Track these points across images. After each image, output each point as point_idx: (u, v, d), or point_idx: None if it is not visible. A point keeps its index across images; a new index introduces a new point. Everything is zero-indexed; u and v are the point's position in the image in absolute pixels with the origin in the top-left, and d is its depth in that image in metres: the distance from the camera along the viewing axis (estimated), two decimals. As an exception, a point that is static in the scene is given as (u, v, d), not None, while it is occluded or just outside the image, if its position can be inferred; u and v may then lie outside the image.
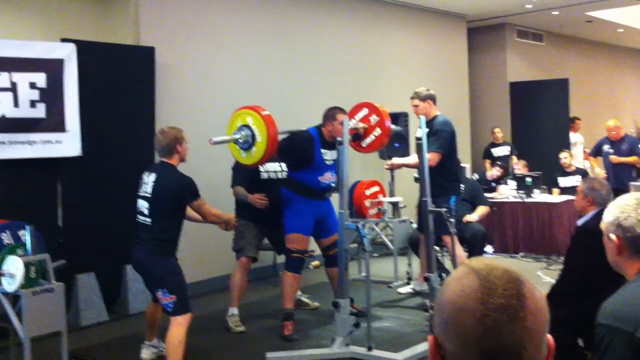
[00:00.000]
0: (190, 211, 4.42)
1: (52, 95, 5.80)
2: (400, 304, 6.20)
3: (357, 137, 5.55)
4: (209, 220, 4.50)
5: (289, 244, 5.30)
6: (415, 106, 5.83)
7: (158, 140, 4.39)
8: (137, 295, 6.08)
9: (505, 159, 10.22)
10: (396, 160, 5.92)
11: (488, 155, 10.32)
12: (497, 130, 10.63)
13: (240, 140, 4.86)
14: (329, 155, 5.33)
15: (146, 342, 4.81)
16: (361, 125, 5.52)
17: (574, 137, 11.05)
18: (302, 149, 5.27)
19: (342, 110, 5.29)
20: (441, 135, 5.60)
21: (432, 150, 5.44)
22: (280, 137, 5.05)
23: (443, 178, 5.56)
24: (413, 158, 5.79)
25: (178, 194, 4.27)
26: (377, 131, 5.53)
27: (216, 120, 7.12)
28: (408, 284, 6.61)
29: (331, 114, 5.32)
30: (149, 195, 4.29)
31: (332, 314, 4.83)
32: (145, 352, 4.79)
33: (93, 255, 5.97)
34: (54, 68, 5.82)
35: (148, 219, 4.30)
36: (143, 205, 4.34)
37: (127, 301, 6.09)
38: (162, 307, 4.33)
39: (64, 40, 5.98)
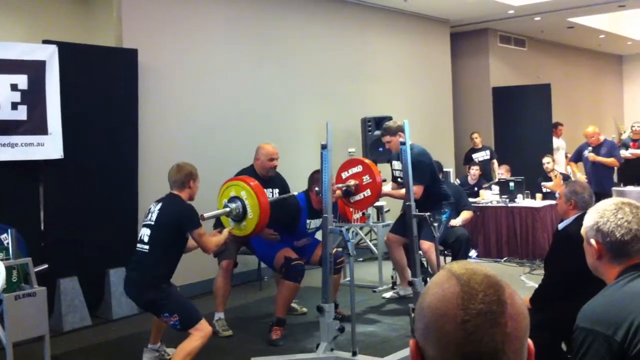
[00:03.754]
0: (190, 241, 4.41)
1: (33, 97, 5.74)
2: (384, 309, 6.20)
3: (347, 193, 5.61)
4: (210, 251, 4.53)
5: (285, 254, 5.30)
6: (388, 142, 5.85)
7: (172, 173, 4.42)
8: (120, 299, 6.03)
9: (486, 164, 10.28)
10: (382, 190, 5.96)
11: (469, 160, 10.38)
12: (475, 135, 10.71)
13: (232, 213, 4.83)
14: (313, 224, 5.46)
15: (149, 346, 4.74)
16: (353, 182, 5.59)
17: (556, 142, 11.14)
18: (288, 217, 5.36)
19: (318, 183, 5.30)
20: (420, 167, 5.58)
21: (414, 184, 5.45)
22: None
23: (433, 202, 5.66)
24: (397, 190, 5.89)
25: (178, 222, 4.26)
26: (368, 192, 5.61)
27: (198, 121, 7.12)
28: (393, 288, 6.63)
29: (316, 178, 5.32)
30: (152, 223, 4.29)
31: (318, 319, 4.83)
32: (147, 357, 4.72)
33: (76, 259, 5.92)
34: (35, 70, 5.76)
35: (146, 247, 4.27)
36: (145, 232, 4.31)
37: (110, 306, 6.03)
38: (172, 327, 4.27)
39: (45, 41, 5.92)
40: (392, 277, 6.80)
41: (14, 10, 6.64)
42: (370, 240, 7.10)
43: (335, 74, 8.83)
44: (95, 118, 6.20)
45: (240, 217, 4.82)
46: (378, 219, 6.69)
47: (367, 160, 5.81)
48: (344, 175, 5.61)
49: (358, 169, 5.64)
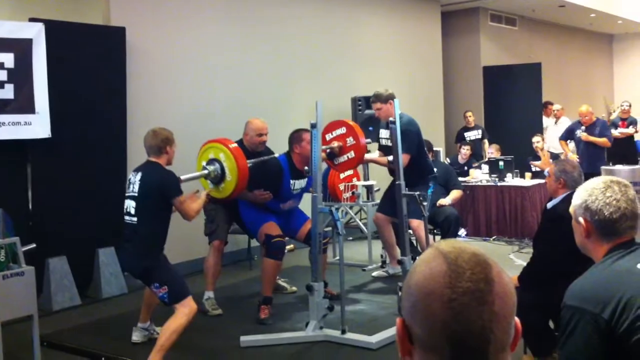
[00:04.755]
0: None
1: (20, 75, 5.68)
2: (373, 287, 6.23)
3: (331, 155, 5.58)
4: (191, 218, 4.46)
5: (266, 231, 5.29)
6: (378, 109, 5.82)
7: (148, 139, 4.37)
8: (109, 279, 6.04)
9: (477, 143, 10.29)
10: (367, 156, 5.92)
11: (461, 139, 10.38)
12: (469, 114, 10.69)
13: (210, 176, 4.80)
14: (297, 184, 5.42)
15: (139, 325, 4.73)
16: (336, 144, 5.54)
17: (546, 121, 11.15)
18: (270, 179, 5.32)
19: (306, 130, 5.25)
20: (408, 136, 5.57)
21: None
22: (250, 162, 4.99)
23: (417, 176, 5.61)
24: (381, 157, 5.85)
25: (161, 190, 4.24)
26: (352, 154, 5.55)
27: (187, 101, 7.07)
28: (382, 267, 6.65)
29: (296, 136, 5.34)
30: (135, 194, 4.26)
31: (307, 298, 4.84)
32: (137, 335, 4.72)
33: (64, 239, 5.90)
34: (22, 48, 5.69)
35: (134, 218, 4.26)
36: (130, 204, 4.29)
37: (99, 285, 6.03)
38: (160, 299, 4.29)
39: (32, 19, 5.85)
40: (381, 256, 6.82)
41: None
42: (360, 220, 7.10)
43: (325, 54, 8.78)
44: (83, 97, 6.15)
45: (218, 179, 4.81)
46: (368, 199, 6.68)
47: (351, 122, 5.73)
48: (328, 137, 5.53)
49: (342, 130, 5.57)
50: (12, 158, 5.78)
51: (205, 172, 4.82)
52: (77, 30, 6.24)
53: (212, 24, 7.40)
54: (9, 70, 5.63)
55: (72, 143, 6.05)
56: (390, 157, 5.53)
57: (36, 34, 5.76)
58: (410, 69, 10.29)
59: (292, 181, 5.39)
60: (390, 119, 5.21)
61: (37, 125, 5.77)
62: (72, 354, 4.71)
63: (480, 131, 10.59)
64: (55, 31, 5.90)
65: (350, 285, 6.06)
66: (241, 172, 4.75)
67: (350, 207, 6.78)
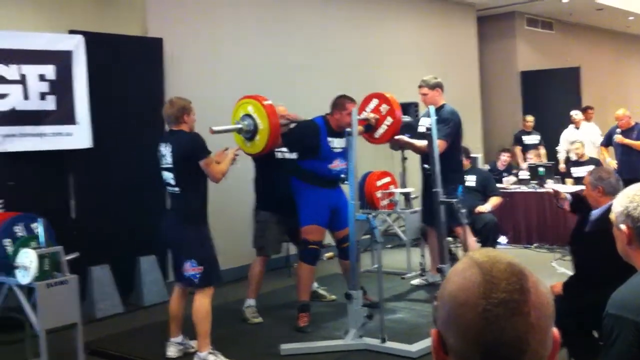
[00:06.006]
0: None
1: (61, 87, 5.79)
2: (413, 296, 6.18)
3: (368, 128, 5.49)
4: (217, 180, 4.48)
5: (305, 235, 5.27)
6: (424, 94, 5.80)
7: (166, 110, 4.51)
8: (151, 287, 6.12)
9: (534, 148, 10.15)
10: (404, 137, 5.84)
11: (519, 142, 10.25)
12: (528, 118, 10.51)
13: (243, 130, 4.87)
14: (336, 143, 5.28)
15: (171, 340, 4.68)
16: (372, 115, 5.48)
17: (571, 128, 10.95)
18: (307, 138, 5.24)
19: (350, 100, 5.23)
20: (448, 124, 5.57)
21: (439, 138, 5.41)
22: (289, 127, 5.06)
23: (448, 167, 5.49)
24: (421, 142, 5.72)
25: (189, 154, 4.35)
26: (389, 120, 5.49)
27: (225, 110, 7.11)
28: (422, 275, 6.60)
29: (340, 102, 5.25)
30: (170, 165, 4.38)
31: (346, 306, 4.84)
32: (171, 350, 4.67)
33: (107, 248, 5.99)
34: (62, 60, 5.81)
35: (176, 188, 4.39)
36: (168, 176, 4.42)
37: (141, 293, 6.11)
38: (187, 280, 4.36)
39: (72, 32, 5.96)
40: (420, 263, 6.78)
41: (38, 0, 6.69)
42: (398, 227, 7.07)
43: (358, 60, 8.78)
44: (122, 107, 6.25)
45: (251, 134, 4.87)
46: (406, 206, 6.66)
47: (381, 93, 5.67)
48: (363, 115, 5.48)
49: (374, 103, 5.53)
50: (54, 168, 5.89)
51: (239, 125, 4.90)
52: (116, 41, 6.34)
53: (248, 32, 7.46)
54: (50, 81, 5.75)
55: (113, 153, 6.14)
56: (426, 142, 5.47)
57: (76, 45, 5.87)
58: (446, 73, 10.18)
59: (329, 139, 5.26)
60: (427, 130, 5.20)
61: (78, 135, 5.87)
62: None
63: (539, 136, 10.41)
64: (95, 43, 6.00)
65: (390, 294, 6.03)
66: (273, 128, 4.82)
67: (388, 215, 6.77)
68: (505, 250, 6.49)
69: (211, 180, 4.47)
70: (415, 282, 6.50)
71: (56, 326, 4.23)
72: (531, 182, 8.37)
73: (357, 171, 4.92)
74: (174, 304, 4.65)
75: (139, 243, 6.17)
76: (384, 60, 9.18)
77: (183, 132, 4.42)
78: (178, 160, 4.35)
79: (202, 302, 4.33)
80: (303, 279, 5.28)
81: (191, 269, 4.29)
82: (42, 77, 5.71)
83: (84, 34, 5.95)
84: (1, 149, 5.48)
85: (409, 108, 7.87)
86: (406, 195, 6.66)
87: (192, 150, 4.35)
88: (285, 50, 7.83)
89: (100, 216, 6.05)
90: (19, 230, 4.41)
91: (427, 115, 5.68)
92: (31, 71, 5.65)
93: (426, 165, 5.66)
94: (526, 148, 10.15)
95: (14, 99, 5.58)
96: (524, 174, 8.72)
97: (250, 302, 5.53)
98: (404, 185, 7.34)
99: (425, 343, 4.60)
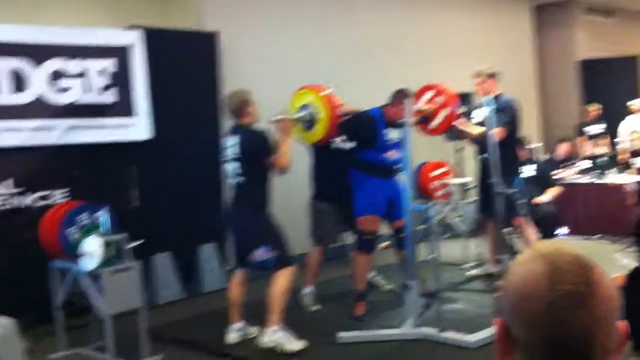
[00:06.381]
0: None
1: (121, 80, 5.92)
2: (470, 286, 6.12)
3: (424, 119, 5.48)
4: (284, 171, 4.59)
5: (361, 225, 5.28)
6: (480, 84, 5.74)
7: (227, 104, 4.66)
8: (211, 273, 6.25)
9: (598, 137, 9.88)
10: (462, 123, 5.75)
11: (581, 132, 10.02)
12: (591, 107, 10.20)
13: (303, 119, 4.93)
14: (392, 133, 5.27)
15: (232, 326, 4.76)
16: (427, 107, 5.46)
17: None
18: (363, 129, 5.27)
19: (409, 94, 5.21)
20: (506, 113, 5.51)
21: (498, 125, 5.35)
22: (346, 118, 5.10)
23: (505, 157, 5.40)
24: (478, 127, 5.64)
25: (259, 150, 4.48)
26: (444, 112, 5.45)
27: (282, 101, 7.15)
28: (479, 265, 6.53)
29: (400, 97, 5.23)
30: (239, 156, 4.49)
31: (402, 296, 4.82)
32: (232, 336, 4.75)
33: (168, 236, 6.12)
34: (122, 54, 5.93)
35: (242, 178, 4.50)
36: (235, 166, 4.53)
37: (202, 280, 6.25)
38: (261, 265, 4.46)
39: (130, 27, 6.09)
40: (477, 254, 6.70)
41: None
42: (455, 218, 7.01)
43: (413, 52, 8.72)
44: (180, 100, 6.35)
45: (309, 123, 5.01)
46: (462, 196, 6.60)
47: (437, 84, 5.61)
48: (418, 106, 5.43)
49: (429, 94, 5.50)
50: (117, 159, 6.01)
51: (300, 114, 5.02)
52: (174, 35, 6.46)
53: (304, 25, 7.49)
54: (110, 75, 5.88)
55: (173, 144, 6.24)
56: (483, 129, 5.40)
57: (135, 40, 5.99)
58: (501, 63, 10.04)
59: (386, 129, 5.26)
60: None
61: (138, 127, 6.00)
62: (178, 345, 4.88)
63: (603, 126, 10.10)
64: (153, 37, 6.11)
65: (447, 284, 5.97)
66: (332, 118, 4.94)
67: (444, 205, 6.72)
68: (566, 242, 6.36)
69: (279, 174, 4.61)
70: (473, 272, 6.43)
71: (120, 311, 4.34)
72: (591, 172, 8.18)
73: (412, 161, 4.88)
74: (234, 290, 4.73)
75: (200, 231, 6.28)
76: (438, 51, 9.09)
77: (251, 130, 4.53)
78: (246, 153, 4.47)
79: (281, 282, 4.44)
80: (359, 269, 5.30)
81: (265, 254, 4.39)
82: (102, 71, 5.85)
83: (143, 29, 6.06)
84: (65, 140, 5.62)
85: (464, 99, 7.75)
86: (462, 186, 6.59)
87: (260, 148, 4.48)
88: (343, 42, 7.84)
89: (162, 206, 6.17)
90: (84, 218, 4.53)
91: (482, 105, 5.62)
92: (92, 65, 5.78)
93: (484, 155, 5.59)
94: (590, 138, 9.86)
95: (76, 93, 5.72)
96: (584, 164, 8.53)
97: (308, 289, 5.57)
98: (460, 176, 7.24)
99: (484, 334, 4.55)
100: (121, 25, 6.16)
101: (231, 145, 4.54)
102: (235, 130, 4.60)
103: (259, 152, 4.47)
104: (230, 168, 4.57)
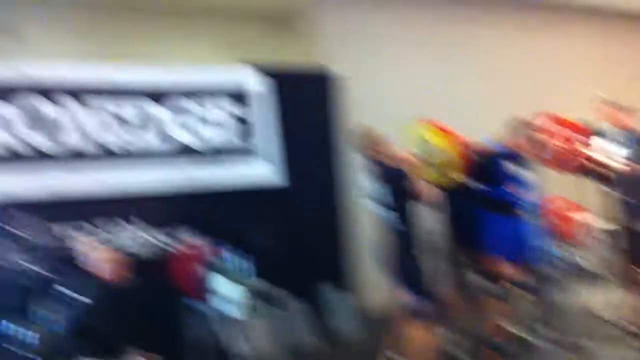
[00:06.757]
0: None
1: (245, 123, 6.00)
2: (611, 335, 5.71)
3: (549, 155, 5.29)
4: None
5: (491, 266, 5.12)
6: (607, 114, 5.40)
7: (355, 143, 4.82)
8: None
9: None
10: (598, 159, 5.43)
11: None
12: None
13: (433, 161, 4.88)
14: (516, 170, 5.09)
15: None
16: (541, 137, 5.25)
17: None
18: (484, 166, 5.15)
19: (532, 126, 5.04)
20: None
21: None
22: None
23: None
24: (620, 163, 5.29)
25: (401, 188, 4.62)
26: (573, 147, 5.22)
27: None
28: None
29: (521, 128, 5.11)
30: (382, 197, 4.64)
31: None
32: None
33: (304, 281, 6.01)
34: (245, 96, 6.02)
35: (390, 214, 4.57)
36: (379, 206, 4.66)
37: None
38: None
39: (253, 68, 6.12)
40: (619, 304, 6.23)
41: (215, 35, 6.95)
42: (594, 264, 6.58)
43: (529, 82, 8.52)
44: (306, 143, 6.37)
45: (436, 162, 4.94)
46: (603, 243, 6.19)
47: (564, 118, 5.47)
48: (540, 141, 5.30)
49: (556, 128, 5.40)
50: (254, 205, 5.95)
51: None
52: (298, 77, 6.46)
53: (428, 63, 7.47)
54: (234, 118, 5.94)
55: (303, 188, 6.24)
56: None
57: (258, 83, 6.06)
58: (620, 91, 9.62)
59: (509, 165, 5.12)
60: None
61: (263, 171, 6.03)
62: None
63: None
64: (278, 81, 6.17)
65: (585, 333, 5.61)
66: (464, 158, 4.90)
67: (582, 249, 6.36)
68: None
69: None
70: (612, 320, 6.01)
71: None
72: None
73: (540, 199, 4.68)
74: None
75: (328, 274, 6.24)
76: (552, 77, 8.85)
77: (392, 168, 4.56)
78: (389, 193, 4.53)
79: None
80: (491, 314, 5.09)
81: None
82: (226, 113, 5.91)
83: (270, 73, 6.11)
84: (190, 183, 5.66)
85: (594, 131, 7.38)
86: (605, 232, 6.21)
87: (403, 186, 4.52)
88: (469, 78, 7.84)
89: (297, 250, 6.08)
90: (223, 263, 4.59)
91: (615, 138, 5.30)
92: (215, 106, 5.87)
93: (629, 200, 5.26)
94: None
95: (206, 135, 5.81)
96: None
97: None
98: (597, 219, 6.84)
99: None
100: (246, 64, 6.17)
101: (373, 187, 4.59)
102: (376, 172, 4.66)
103: (400, 189, 4.54)
104: (372, 207, 4.63)
